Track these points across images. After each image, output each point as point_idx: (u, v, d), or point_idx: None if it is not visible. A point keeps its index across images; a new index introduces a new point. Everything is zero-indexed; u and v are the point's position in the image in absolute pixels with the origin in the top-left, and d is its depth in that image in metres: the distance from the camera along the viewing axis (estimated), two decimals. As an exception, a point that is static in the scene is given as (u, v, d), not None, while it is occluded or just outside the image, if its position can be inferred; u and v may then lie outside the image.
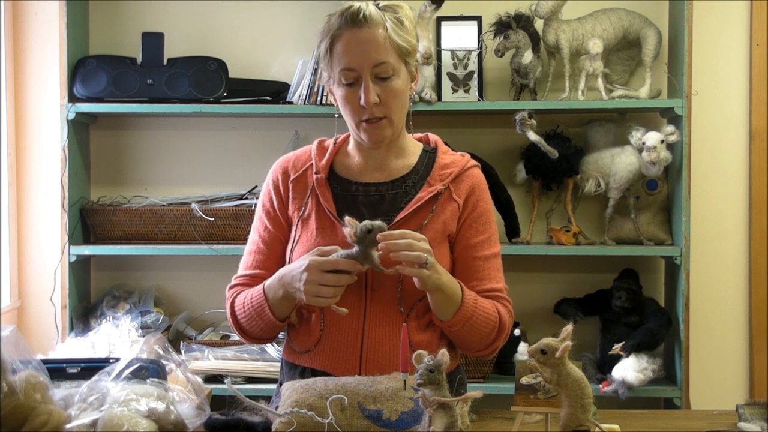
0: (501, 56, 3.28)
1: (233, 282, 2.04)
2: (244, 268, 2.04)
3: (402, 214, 1.91)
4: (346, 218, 1.80)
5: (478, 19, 3.35)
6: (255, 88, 3.38)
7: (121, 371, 1.63)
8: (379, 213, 1.93)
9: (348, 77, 1.89)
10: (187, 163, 3.56)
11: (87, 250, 3.29)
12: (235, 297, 1.99)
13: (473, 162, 2.03)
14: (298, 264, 1.84)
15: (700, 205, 3.40)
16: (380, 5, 1.91)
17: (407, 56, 1.91)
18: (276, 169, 2.05)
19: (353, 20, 1.87)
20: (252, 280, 2.00)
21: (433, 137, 2.08)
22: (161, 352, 1.79)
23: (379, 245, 1.77)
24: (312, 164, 2.01)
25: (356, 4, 1.88)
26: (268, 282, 1.92)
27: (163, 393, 1.59)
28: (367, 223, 1.78)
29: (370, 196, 1.96)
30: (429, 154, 2.03)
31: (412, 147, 2.04)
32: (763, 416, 1.80)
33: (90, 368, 1.72)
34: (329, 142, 2.05)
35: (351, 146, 2.03)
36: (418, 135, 2.09)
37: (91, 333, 2.67)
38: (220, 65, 3.31)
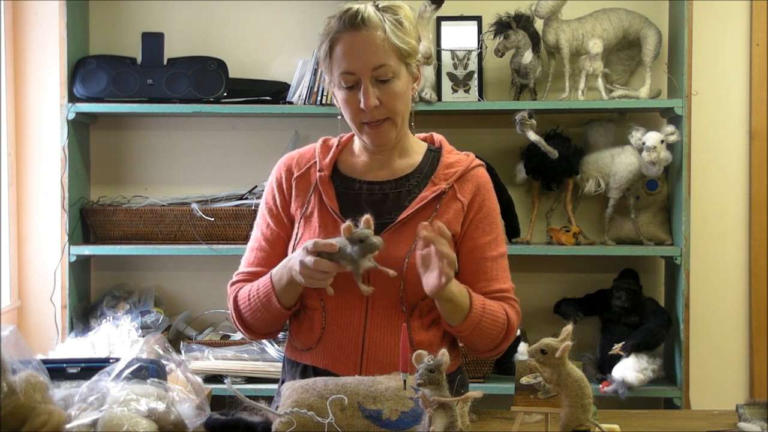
0: (501, 56, 3.28)
1: (235, 278, 2.04)
2: (246, 264, 2.04)
3: (405, 213, 1.91)
4: (343, 226, 1.72)
5: (478, 19, 3.35)
6: (255, 88, 3.38)
7: (121, 371, 1.63)
8: (383, 211, 1.93)
9: (348, 81, 1.88)
10: (187, 163, 3.56)
11: (87, 250, 3.29)
12: (238, 291, 1.99)
13: (478, 161, 2.03)
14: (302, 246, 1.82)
15: (700, 205, 3.40)
16: (379, 6, 1.90)
17: (407, 57, 1.90)
18: (280, 167, 2.05)
19: (351, 23, 1.86)
20: (254, 277, 2.00)
21: (437, 137, 2.08)
22: (161, 352, 1.79)
23: (424, 233, 1.71)
24: (316, 162, 2.01)
25: (355, 6, 1.87)
26: (275, 269, 1.91)
27: (163, 393, 1.59)
28: (365, 233, 1.71)
29: (373, 194, 1.96)
30: (433, 154, 2.03)
31: (417, 146, 2.04)
32: (763, 416, 1.80)
33: (90, 368, 1.72)
34: (334, 141, 2.05)
35: (356, 145, 2.03)
36: (423, 135, 2.08)
37: (91, 333, 2.67)
38: (220, 65, 3.31)
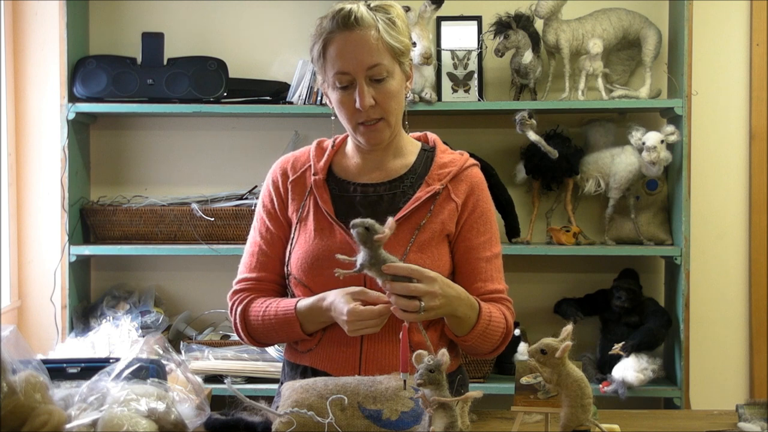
0: (501, 56, 3.28)
1: (236, 287, 2.01)
2: (246, 269, 2.02)
3: (400, 214, 1.91)
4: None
5: (478, 19, 3.35)
6: (255, 88, 3.38)
7: (121, 371, 1.63)
8: (378, 213, 1.92)
9: (342, 81, 1.88)
10: (187, 163, 3.56)
11: (87, 250, 3.29)
12: (248, 305, 1.97)
13: (472, 161, 2.03)
14: (338, 307, 1.81)
15: (700, 205, 3.40)
16: (371, 5, 1.90)
17: (401, 56, 1.90)
18: (275, 170, 2.05)
19: (345, 23, 1.86)
20: (257, 284, 1.99)
21: (431, 136, 2.07)
22: (161, 352, 1.78)
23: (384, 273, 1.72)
24: (310, 165, 2.01)
25: (347, 6, 1.87)
26: (303, 304, 1.89)
27: (163, 393, 1.59)
28: (359, 222, 1.69)
29: (368, 196, 1.96)
30: (427, 153, 2.02)
31: (410, 146, 2.03)
32: (763, 416, 1.80)
33: (90, 368, 1.72)
34: (328, 143, 2.05)
35: (349, 147, 2.03)
36: (417, 134, 2.08)
37: (91, 333, 2.67)
38: (220, 65, 3.31)
